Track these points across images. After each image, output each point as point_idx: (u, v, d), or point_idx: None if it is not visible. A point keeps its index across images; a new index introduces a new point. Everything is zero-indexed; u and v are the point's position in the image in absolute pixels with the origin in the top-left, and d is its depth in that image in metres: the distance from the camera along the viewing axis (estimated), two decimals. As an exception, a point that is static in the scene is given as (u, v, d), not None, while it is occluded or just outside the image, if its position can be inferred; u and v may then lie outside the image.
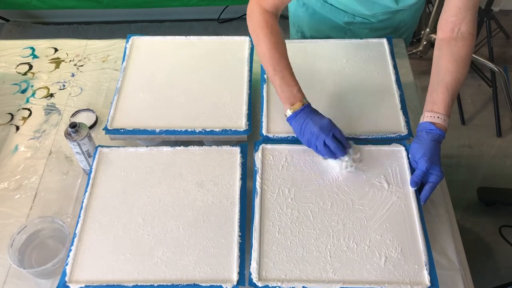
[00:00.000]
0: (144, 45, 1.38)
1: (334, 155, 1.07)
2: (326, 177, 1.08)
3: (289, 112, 1.08)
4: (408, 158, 1.10)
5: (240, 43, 1.37)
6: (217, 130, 1.16)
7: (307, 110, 1.07)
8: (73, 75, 1.41)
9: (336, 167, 1.09)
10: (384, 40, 1.37)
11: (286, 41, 1.38)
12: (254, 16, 1.12)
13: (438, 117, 1.06)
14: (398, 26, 1.43)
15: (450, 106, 1.08)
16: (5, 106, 1.33)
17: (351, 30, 1.41)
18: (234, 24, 2.88)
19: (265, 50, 1.10)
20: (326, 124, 1.05)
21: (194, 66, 1.32)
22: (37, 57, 1.47)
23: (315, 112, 1.09)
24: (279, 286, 0.92)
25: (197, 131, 1.16)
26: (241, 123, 1.18)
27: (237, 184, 1.07)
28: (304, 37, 1.51)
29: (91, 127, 1.27)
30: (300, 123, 1.07)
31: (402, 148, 1.12)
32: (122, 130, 1.17)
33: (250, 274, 0.94)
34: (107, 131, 1.17)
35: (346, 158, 1.07)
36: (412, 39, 2.54)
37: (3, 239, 1.05)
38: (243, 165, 1.10)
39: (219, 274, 0.95)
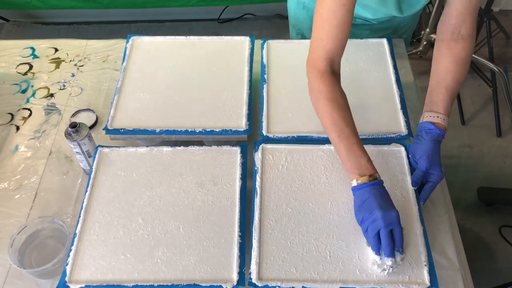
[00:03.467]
0: (144, 45, 1.38)
1: (378, 251, 0.93)
2: (327, 177, 1.08)
3: (355, 182, 0.96)
4: (408, 158, 1.10)
5: (240, 43, 1.37)
6: (217, 130, 1.16)
7: (377, 187, 0.95)
8: (73, 75, 1.41)
9: (372, 260, 0.95)
10: (384, 40, 1.37)
11: (286, 41, 1.39)
12: (310, 83, 1.05)
13: (438, 117, 1.07)
14: (398, 27, 1.43)
15: (449, 106, 1.08)
16: (5, 106, 1.33)
17: (352, 32, 1.41)
18: (234, 24, 2.88)
19: (326, 117, 1.01)
20: (392, 215, 0.91)
21: (194, 66, 1.32)
22: (37, 57, 1.47)
23: (385, 194, 0.95)
24: (278, 286, 0.92)
25: (197, 131, 1.16)
26: (241, 123, 1.18)
27: (237, 184, 1.07)
28: (304, 38, 1.50)
29: (91, 127, 1.27)
30: (364, 198, 0.94)
31: (402, 148, 1.12)
32: (122, 130, 1.17)
33: (249, 273, 0.94)
34: (107, 131, 1.17)
35: (389, 261, 0.92)
36: (412, 39, 2.54)
37: (3, 239, 1.05)
38: (243, 165, 1.10)
39: (219, 274, 0.95)
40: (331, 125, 1.00)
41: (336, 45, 1.03)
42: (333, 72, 1.04)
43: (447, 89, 1.07)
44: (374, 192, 0.94)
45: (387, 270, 0.93)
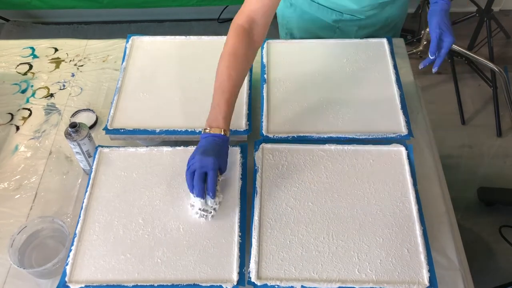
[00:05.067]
0: (144, 45, 1.38)
1: (192, 189, 1.00)
2: (327, 177, 1.08)
3: (205, 131, 1.03)
4: (408, 158, 1.10)
5: (240, 43, 1.37)
6: (217, 130, 1.16)
7: (216, 140, 1.01)
8: (73, 75, 1.41)
9: (190, 208, 1.03)
10: (384, 40, 1.37)
11: (286, 41, 1.40)
12: (228, 32, 1.10)
13: None
14: (386, 22, 1.43)
15: None
16: (5, 106, 1.33)
17: (340, 29, 1.42)
18: (234, 24, 2.88)
19: (221, 67, 1.07)
20: (208, 160, 0.98)
21: (194, 66, 1.32)
22: (37, 57, 1.47)
23: (221, 148, 1.02)
24: (277, 285, 0.92)
25: (197, 131, 1.16)
26: (241, 123, 1.18)
27: (237, 184, 1.07)
28: (293, 38, 1.51)
29: (91, 127, 1.27)
30: (201, 144, 1.02)
31: (402, 148, 1.12)
32: (122, 130, 1.17)
33: (249, 272, 0.94)
34: (107, 131, 1.17)
35: (198, 202, 1.00)
36: (412, 39, 2.55)
37: (3, 239, 1.05)
38: (243, 165, 1.10)
39: (219, 274, 0.95)
40: (219, 75, 1.06)
41: (260, 7, 1.09)
42: (251, 32, 1.09)
43: None
44: (210, 143, 1.01)
45: (199, 214, 1.00)
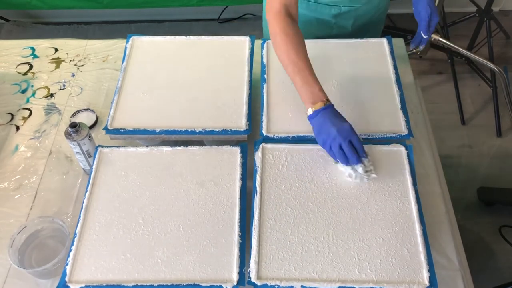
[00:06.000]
0: (144, 45, 1.38)
1: (347, 161, 1.04)
2: (327, 177, 1.08)
3: (310, 111, 1.06)
4: (408, 157, 1.10)
5: (240, 43, 1.37)
6: (217, 130, 1.16)
7: (329, 110, 1.05)
8: (73, 75, 1.41)
9: (345, 173, 1.07)
10: (384, 40, 1.37)
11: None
12: (270, 24, 1.14)
13: None
14: (377, 7, 1.44)
15: None
16: (5, 106, 1.33)
17: (337, 24, 1.42)
18: (234, 24, 2.88)
19: (283, 53, 1.10)
20: (345, 128, 1.03)
21: (194, 66, 1.32)
22: (37, 57, 1.47)
23: (337, 114, 1.06)
24: (277, 285, 0.92)
25: (197, 131, 1.16)
26: (241, 123, 1.18)
27: (237, 184, 1.07)
28: None
29: (91, 127, 1.27)
30: (320, 122, 1.05)
31: (402, 148, 1.12)
32: (122, 130, 1.17)
33: (248, 272, 0.94)
34: (107, 131, 1.17)
35: (359, 168, 1.05)
36: (412, 39, 2.55)
37: (3, 239, 1.05)
38: (243, 165, 1.10)
39: (219, 274, 0.95)
40: (287, 60, 1.09)
41: None
42: (290, 15, 1.13)
43: None
44: (327, 116, 1.05)
45: (363, 176, 1.05)
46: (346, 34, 1.44)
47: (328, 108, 1.05)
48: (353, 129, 1.04)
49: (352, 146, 1.03)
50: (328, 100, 1.06)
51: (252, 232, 0.99)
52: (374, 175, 1.06)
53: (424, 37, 1.30)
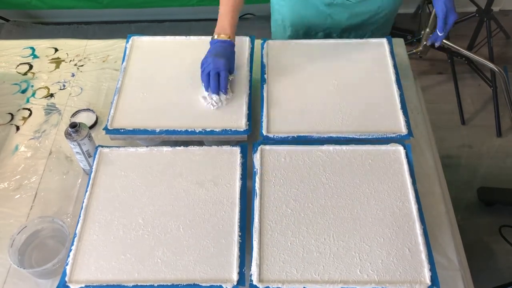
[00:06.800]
0: (144, 45, 1.38)
1: (208, 87, 1.19)
2: (326, 178, 1.08)
3: (214, 37, 1.24)
4: (407, 157, 1.10)
5: (240, 43, 1.37)
6: (217, 130, 1.16)
7: (223, 44, 1.21)
8: (73, 75, 1.41)
9: (202, 95, 1.22)
10: (384, 40, 1.37)
11: (286, 41, 1.39)
12: None
13: None
14: (377, 11, 1.45)
15: None
16: (5, 106, 1.33)
17: (331, 16, 1.43)
18: (234, 24, 2.88)
19: None
20: (221, 62, 1.17)
21: (194, 66, 1.31)
22: (37, 57, 1.47)
23: (227, 50, 1.21)
24: (279, 287, 0.92)
25: (197, 131, 1.16)
26: (241, 123, 1.18)
27: (237, 184, 1.07)
28: (285, 24, 1.51)
29: (91, 127, 1.27)
30: (211, 49, 1.22)
31: (401, 148, 1.12)
32: (122, 130, 1.17)
33: (250, 275, 0.94)
34: (107, 131, 1.17)
35: (214, 97, 1.19)
36: (412, 39, 2.55)
37: (3, 239, 1.05)
38: (243, 165, 1.10)
39: (219, 274, 0.95)
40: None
41: None
42: None
43: None
44: (218, 47, 1.21)
45: (211, 103, 1.19)
46: (340, 29, 1.46)
47: (225, 43, 1.22)
48: (227, 66, 1.18)
49: (218, 79, 1.17)
50: (230, 37, 1.22)
51: (253, 234, 0.99)
52: (219, 106, 1.20)
53: (440, 34, 1.32)
